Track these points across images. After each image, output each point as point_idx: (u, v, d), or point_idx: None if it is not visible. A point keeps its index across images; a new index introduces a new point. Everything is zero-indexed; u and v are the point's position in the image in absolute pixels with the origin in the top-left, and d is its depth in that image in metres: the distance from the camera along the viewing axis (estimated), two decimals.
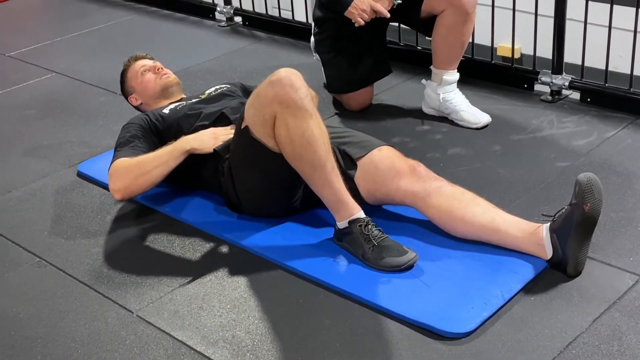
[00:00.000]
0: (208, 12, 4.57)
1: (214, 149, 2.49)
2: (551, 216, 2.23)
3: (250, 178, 2.42)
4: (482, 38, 3.51)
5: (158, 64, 2.94)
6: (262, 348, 2.03)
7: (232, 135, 2.50)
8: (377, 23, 3.14)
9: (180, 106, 2.76)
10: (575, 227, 2.14)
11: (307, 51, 3.62)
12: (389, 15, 2.99)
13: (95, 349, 2.06)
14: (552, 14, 3.27)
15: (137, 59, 2.98)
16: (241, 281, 2.29)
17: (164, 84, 2.89)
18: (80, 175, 2.94)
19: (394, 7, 2.97)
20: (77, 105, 3.57)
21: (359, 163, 2.47)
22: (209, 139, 2.53)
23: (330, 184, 2.27)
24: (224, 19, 4.48)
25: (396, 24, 3.52)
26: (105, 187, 2.75)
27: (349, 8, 2.98)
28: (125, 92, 2.97)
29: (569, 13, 3.27)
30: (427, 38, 3.32)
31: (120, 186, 2.53)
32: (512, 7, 3.37)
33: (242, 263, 2.37)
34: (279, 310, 2.17)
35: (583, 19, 3.20)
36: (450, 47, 3.06)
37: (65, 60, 4.11)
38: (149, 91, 2.89)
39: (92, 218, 2.66)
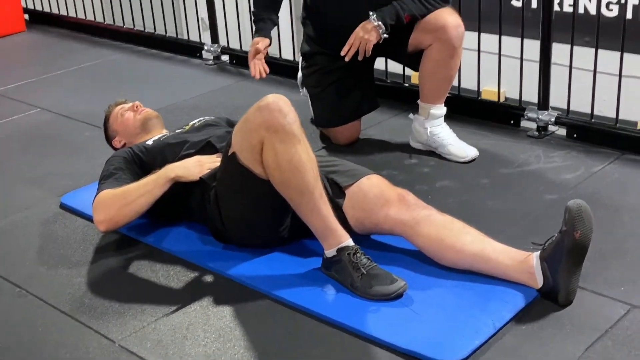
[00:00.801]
0: (195, 51, 4.58)
1: (200, 177, 2.46)
2: (541, 244, 2.21)
3: (237, 206, 2.39)
4: (467, 82, 3.53)
5: (136, 103, 2.94)
6: None
7: (218, 163, 2.47)
8: (364, 57, 3.15)
9: (163, 137, 2.74)
10: (566, 255, 2.12)
11: (294, 88, 3.62)
12: (369, 54, 2.99)
13: None
14: (537, 58, 3.29)
15: (117, 104, 2.98)
16: (226, 310, 2.24)
17: (143, 117, 2.88)
18: (63, 207, 2.89)
19: (380, 41, 2.97)
20: (62, 140, 3.54)
21: (348, 191, 2.45)
22: (194, 166, 2.51)
23: (318, 211, 2.24)
24: (211, 57, 4.49)
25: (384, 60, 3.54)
26: (88, 218, 2.71)
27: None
28: (108, 138, 2.95)
29: (554, 57, 3.30)
30: (414, 72, 3.33)
31: (105, 217, 2.49)
32: (497, 51, 3.40)
33: (228, 292, 2.32)
34: (265, 339, 2.12)
35: (568, 63, 3.23)
36: (437, 81, 3.06)
37: (50, 96, 4.09)
38: (129, 129, 2.87)
39: (75, 249, 2.61)
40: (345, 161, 2.60)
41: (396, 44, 3.08)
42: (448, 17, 2.94)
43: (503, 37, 3.40)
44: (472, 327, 2.07)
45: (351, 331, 2.11)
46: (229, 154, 2.32)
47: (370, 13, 2.94)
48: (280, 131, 2.19)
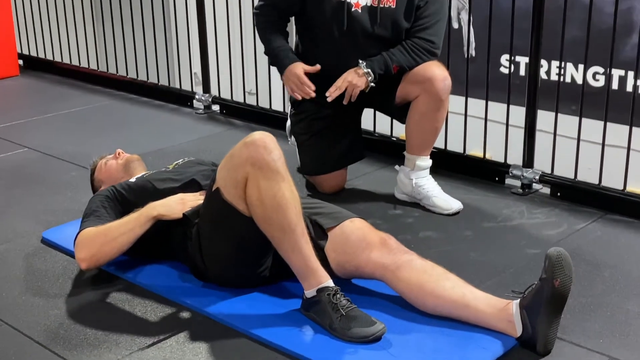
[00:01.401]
0: (186, 100, 4.63)
1: (183, 214, 2.46)
2: (521, 292, 2.21)
3: (219, 242, 2.38)
4: (453, 145, 3.58)
5: (118, 150, 2.99)
6: None
7: (201, 201, 2.48)
8: (352, 107, 3.19)
9: (147, 174, 2.75)
10: (545, 303, 2.12)
11: (283, 139, 3.64)
12: (354, 99, 3.04)
13: None
14: (522, 124, 3.35)
15: (100, 158, 3.01)
16: (202, 347, 2.21)
17: (125, 160, 2.92)
18: (45, 241, 2.88)
19: (367, 89, 3.02)
20: (47, 178, 3.54)
21: (330, 233, 2.45)
22: (177, 204, 2.51)
23: (299, 250, 2.24)
24: (202, 106, 4.53)
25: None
26: (69, 253, 2.70)
27: (283, 74, 3.11)
28: (94, 189, 2.97)
29: (540, 124, 3.36)
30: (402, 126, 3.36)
31: (86, 255, 2.48)
32: (484, 116, 3.46)
33: (205, 330, 2.30)
34: None
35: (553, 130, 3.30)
36: (423, 133, 3.10)
37: (39, 137, 4.10)
38: (113, 175, 2.89)
39: (53, 282, 2.59)
40: (329, 204, 2.61)
41: (384, 95, 3.13)
42: (435, 70, 3.00)
43: (490, 103, 3.46)
44: None
45: None
46: (213, 189, 2.33)
47: (360, 61, 2.99)
48: (265, 168, 2.20)
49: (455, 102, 3.56)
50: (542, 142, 3.38)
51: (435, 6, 3.04)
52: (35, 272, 2.66)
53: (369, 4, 3.02)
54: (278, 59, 3.14)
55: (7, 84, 5.26)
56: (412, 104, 3.08)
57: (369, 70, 2.98)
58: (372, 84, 3.01)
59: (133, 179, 2.73)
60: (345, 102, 3.03)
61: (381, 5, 3.00)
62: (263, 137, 2.24)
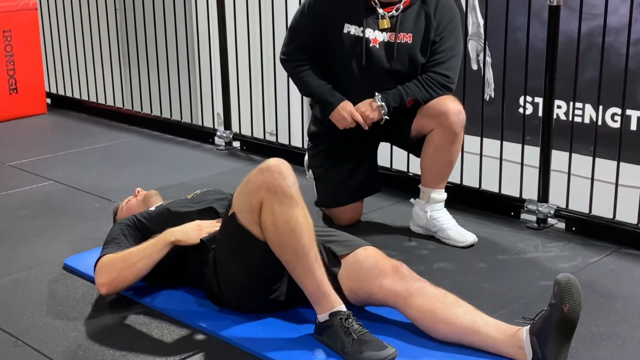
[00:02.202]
0: (208, 137, 4.72)
1: (200, 239, 2.52)
2: (531, 319, 2.23)
3: (234, 267, 2.43)
4: (469, 181, 3.64)
5: (137, 189, 3.07)
6: None
7: (217, 228, 2.54)
8: (368, 140, 3.26)
9: (165, 203, 2.82)
10: (554, 328, 2.14)
11: (302, 174, 3.71)
12: (366, 127, 3.11)
13: None
14: (537, 164, 3.40)
15: (122, 201, 3.08)
16: None
17: (144, 196, 3.00)
18: (66, 268, 2.94)
19: (382, 122, 3.08)
20: (71, 209, 3.63)
21: (343, 261, 2.49)
22: (193, 231, 2.57)
23: (312, 274, 2.28)
24: (223, 143, 4.62)
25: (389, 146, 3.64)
26: (90, 279, 2.76)
27: (333, 112, 3.12)
28: None
29: (557, 165, 3.40)
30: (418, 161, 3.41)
31: (106, 280, 2.55)
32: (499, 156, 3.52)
33: (219, 352, 2.35)
34: None
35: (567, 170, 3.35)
36: (438, 166, 3.15)
37: (64, 170, 4.20)
38: (133, 210, 2.95)
39: (73, 306, 2.65)
40: (343, 232, 2.66)
41: (399, 129, 3.19)
42: (450, 104, 3.06)
43: (509, 143, 3.52)
44: None
45: None
46: (229, 214, 2.39)
47: (376, 93, 3.06)
48: (279, 193, 2.27)
49: (474, 143, 3.62)
50: (559, 182, 3.41)
51: (451, 41, 3.11)
52: (56, 297, 2.72)
53: (386, 40, 3.09)
54: (323, 99, 3.16)
55: (34, 121, 5.40)
56: (427, 137, 3.13)
57: (383, 103, 3.05)
58: (386, 117, 3.07)
59: (153, 208, 2.81)
60: (359, 123, 3.09)
61: (398, 41, 3.08)
62: (278, 163, 2.31)
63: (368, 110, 3.07)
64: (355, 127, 3.13)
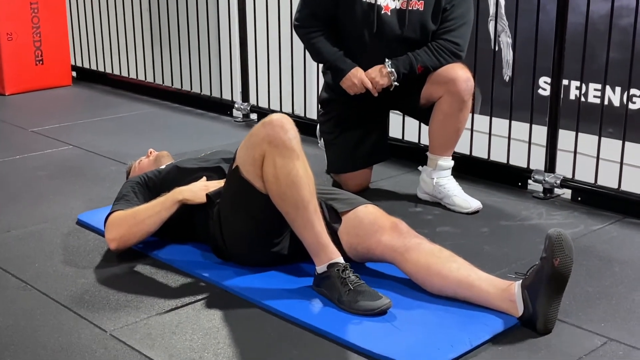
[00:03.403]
0: (226, 109, 4.80)
1: (206, 194, 2.59)
2: (524, 274, 2.28)
3: (237, 220, 2.50)
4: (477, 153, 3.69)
5: (150, 149, 3.14)
6: None
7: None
8: (379, 107, 3.31)
9: (175, 162, 2.90)
10: (545, 282, 2.18)
11: (315, 144, 3.77)
12: (376, 93, 3.16)
13: (63, 357, 2.10)
14: (544, 143, 3.44)
15: (135, 161, 3.16)
16: (216, 314, 2.33)
17: (155, 156, 3.08)
18: (80, 223, 3.04)
19: (392, 88, 3.13)
20: (88, 171, 3.73)
21: (344, 218, 2.55)
22: (200, 190, 2.64)
23: (312, 226, 2.35)
24: (241, 115, 4.70)
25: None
26: (101, 234, 2.84)
27: (343, 79, 3.17)
28: None
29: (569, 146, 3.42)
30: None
31: (116, 235, 2.63)
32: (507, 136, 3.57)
33: (220, 300, 2.42)
34: (250, 340, 2.21)
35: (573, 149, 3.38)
36: (446, 133, 3.19)
37: (84, 137, 4.31)
38: (145, 170, 3.02)
39: (84, 257, 2.74)
40: (344, 191, 2.72)
41: (409, 96, 3.23)
42: (459, 71, 3.10)
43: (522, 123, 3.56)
44: (448, 342, 2.13)
45: (331, 338, 2.18)
46: (233, 167, 2.46)
47: (386, 60, 3.10)
48: (281, 146, 2.33)
49: (498, 123, 3.65)
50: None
51: (462, 9, 3.15)
52: (68, 248, 2.81)
53: (397, 7, 3.13)
54: (335, 66, 3.21)
55: (59, 92, 5.52)
56: (435, 104, 3.18)
57: (393, 69, 3.10)
58: (396, 83, 3.12)
59: (163, 166, 2.89)
60: (375, 94, 3.15)
61: (410, 8, 3.12)
62: (280, 118, 2.37)
63: (378, 76, 3.13)
64: (366, 93, 3.19)
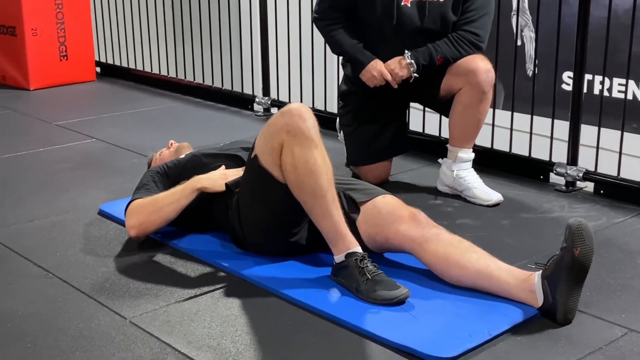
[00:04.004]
0: (247, 104, 4.82)
1: (225, 184, 2.60)
2: (544, 264, 2.26)
3: (255, 209, 2.51)
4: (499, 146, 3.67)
5: (171, 141, 3.16)
6: (245, 355, 2.06)
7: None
8: (398, 99, 3.31)
9: (195, 151, 2.91)
10: (565, 272, 2.17)
11: (336, 138, 3.78)
12: (396, 85, 3.15)
13: (83, 343, 2.12)
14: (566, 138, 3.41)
15: (156, 152, 3.18)
16: (235, 303, 2.34)
17: (176, 147, 3.10)
18: (101, 213, 3.06)
19: (411, 80, 3.12)
20: (110, 164, 3.76)
21: (362, 208, 2.55)
22: (219, 178, 2.65)
23: (330, 215, 2.35)
24: (262, 109, 4.71)
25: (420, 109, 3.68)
26: (122, 223, 2.85)
27: (363, 71, 3.16)
28: None
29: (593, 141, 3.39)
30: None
31: (135, 222, 2.65)
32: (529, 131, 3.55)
33: (239, 289, 2.43)
34: (267, 327, 2.22)
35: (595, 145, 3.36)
36: (466, 125, 3.18)
37: (106, 130, 4.34)
38: (166, 161, 3.03)
39: (105, 246, 2.76)
40: (363, 181, 2.72)
41: (429, 88, 3.22)
42: (479, 62, 3.08)
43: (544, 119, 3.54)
44: (466, 331, 2.13)
45: (349, 327, 2.18)
46: (252, 156, 2.47)
47: (406, 51, 3.10)
48: (299, 135, 2.33)
49: (520, 119, 3.64)
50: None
51: (482, 0, 3.13)
52: (89, 238, 2.84)
53: None
54: (354, 58, 3.21)
55: (83, 87, 5.57)
56: (455, 96, 3.16)
57: (413, 61, 3.09)
58: (415, 74, 3.11)
59: (182, 156, 2.90)
60: (394, 86, 3.14)
61: (430, 0, 3.11)
62: (299, 107, 2.37)
63: (397, 67, 3.12)
64: (385, 85, 3.18)
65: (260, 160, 2.42)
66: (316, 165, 2.33)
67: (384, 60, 3.17)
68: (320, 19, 3.28)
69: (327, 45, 3.46)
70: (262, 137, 2.45)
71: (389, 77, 3.13)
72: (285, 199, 2.41)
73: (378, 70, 3.14)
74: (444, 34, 3.15)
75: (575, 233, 2.16)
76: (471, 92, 3.10)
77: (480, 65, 3.08)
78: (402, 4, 3.13)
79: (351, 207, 2.55)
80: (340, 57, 3.46)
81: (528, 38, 5.02)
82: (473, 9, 3.13)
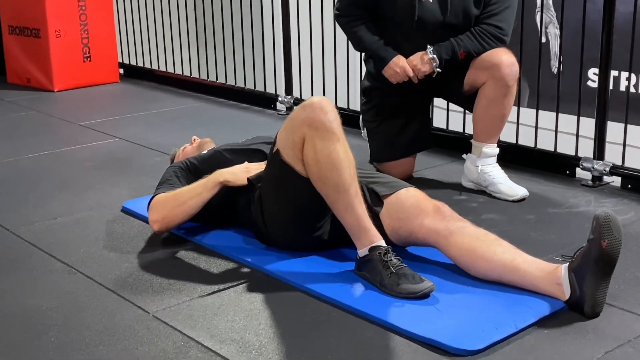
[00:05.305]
0: (270, 103, 4.81)
1: (247, 179, 2.59)
2: (570, 256, 2.23)
3: (278, 204, 2.50)
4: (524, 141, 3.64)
5: (194, 137, 3.17)
6: (269, 348, 2.04)
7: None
8: (422, 95, 3.28)
9: (217, 147, 2.91)
10: (593, 264, 2.13)
11: (359, 135, 3.75)
12: (416, 80, 3.13)
13: (106, 337, 2.11)
14: (592, 135, 3.37)
15: (179, 148, 3.19)
16: (258, 297, 2.33)
17: (198, 143, 3.10)
18: (124, 210, 3.07)
19: (434, 75, 3.09)
20: (134, 162, 3.76)
21: (386, 201, 2.53)
22: (242, 172, 2.64)
23: (353, 209, 2.33)
24: (284, 108, 4.70)
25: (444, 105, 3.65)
26: (146, 220, 2.86)
27: (385, 67, 3.14)
28: None
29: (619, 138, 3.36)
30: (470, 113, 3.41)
31: (158, 217, 2.64)
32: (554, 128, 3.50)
33: (262, 284, 2.42)
34: (290, 321, 2.20)
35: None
36: (490, 120, 3.14)
37: (129, 130, 4.35)
38: (189, 156, 3.03)
39: (128, 242, 2.76)
40: (386, 174, 2.70)
41: (453, 83, 3.19)
42: (503, 56, 3.05)
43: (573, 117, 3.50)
44: (493, 324, 2.10)
45: (373, 320, 2.16)
46: (274, 151, 2.46)
47: (428, 46, 3.07)
48: (321, 128, 2.31)
49: (545, 117, 3.61)
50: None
51: None
52: (112, 234, 2.84)
53: None
54: (376, 54, 3.19)
55: (106, 88, 5.59)
56: (479, 90, 3.13)
57: (435, 56, 3.06)
58: (438, 69, 3.08)
59: (205, 151, 2.90)
60: (415, 81, 3.12)
61: None
62: (320, 100, 2.36)
63: (419, 63, 3.09)
64: (408, 81, 3.16)
65: (282, 155, 2.41)
66: (339, 159, 2.31)
67: (407, 56, 3.15)
68: (342, 15, 3.26)
69: (349, 42, 3.44)
70: (283, 131, 2.43)
71: (411, 73, 3.11)
72: (307, 193, 2.39)
73: (400, 66, 3.12)
74: (467, 28, 3.12)
75: (602, 224, 2.12)
76: (495, 86, 3.07)
77: (504, 58, 3.05)
78: None
79: (374, 201, 2.53)
80: (363, 53, 3.44)
81: (552, 35, 4.97)
82: (495, 2, 3.10)
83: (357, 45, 3.30)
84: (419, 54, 3.09)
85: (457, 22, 3.12)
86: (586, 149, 3.43)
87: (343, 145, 2.34)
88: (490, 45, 3.08)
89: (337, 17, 3.31)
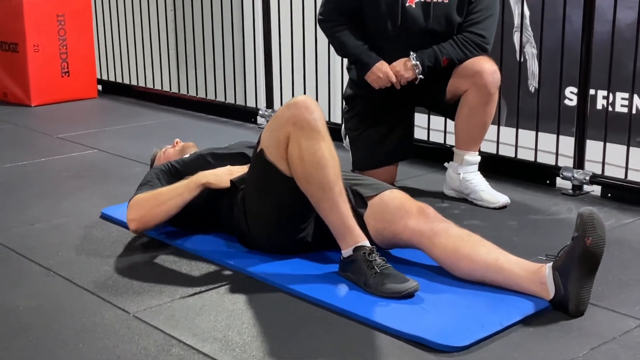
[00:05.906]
0: (251, 116, 4.80)
1: (230, 181, 2.57)
2: (555, 255, 2.22)
3: (261, 204, 2.47)
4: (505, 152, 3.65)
5: (176, 139, 3.14)
6: (252, 346, 2.02)
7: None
8: (404, 103, 3.29)
9: (200, 151, 2.89)
10: (577, 262, 2.13)
11: (341, 147, 3.74)
12: (398, 86, 3.13)
13: (86, 336, 2.08)
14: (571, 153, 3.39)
15: (160, 149, 3.17)
16: (241, 298, 2.30)
17: (181, 146, 3.07)
18: (104, 217, 3.03)
19: (417, 81, 3.10)
20: (112, 172, 3.73)
21: (370, 202, 2.52)
22: (224, 174, 2.62)
23: (337, 208, 2.31)
24: (265, 122, 4.69)
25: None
26: (125, 226, 2.82)
27: (368, 73, 3.14)
28: None
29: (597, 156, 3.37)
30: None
31: (136, 216, 2.60)
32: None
33: (245, 285, 2.39)
34: (274, 320, 2.17)
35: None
36: (472, 127, 3.15)
37: (108, 142, 4.32)
38: (170, 159, 3.00)
39: (108, 247, 2.72)
40: (370, 177, 2.69)
41: (434, 91, 3.20)
42: (485, 64, 3.06)
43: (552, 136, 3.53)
44: (478, 322, 2.09)
45: (357, 319, 2.14)
46: (257, 150, 2.44)
47: (411, 53, 3.08)
48: (306, 127, 2.30)
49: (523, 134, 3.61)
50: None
51: (487, 1, 3.12)
52: (91, 239, 2.80)
53: (422, 0, 3.11)
54: (359, 59, 3.18)
55: (84, 103, 5.56)
56: (461, 98, 3.14)
57: (418, 62, 3.07)
58: (421, 76, 3.09)
59: (187, 155, 2.87)
60: (397, 87, 3.12)
61: (434, 1, 3.09)
62: (305, 99, 2.35)
63: (402, 69, 3.10)
64: (391, 87, 3.16)
65: (266, 154, 2.39)
66: (323, 158, 2.30)
67: (389, 62, 3.15)
68: (325, 20, 3.26)
69: (330, 51, 3.44)
70: (267, 130, 2.42)
71: (393, 79, 3.11)
72: (291, 193, 2.38)
73: (383, 71, 3.12)
74: (449, 35, 3.14)
75: (586, 222, 2.12)
76: (477, 94, 3.08)
77: (486, 66, 3.06)
78: (407, 4, 3.11)
79: (358, 203, 2.52)
80: (345, 64, 3.44)
81: (530, 55, 5.02)
82: (478, 10, 3.12)
83: (339, 50, 3.30)
84: (402, 60, 3.10)
85: (439, 29, 3.13)
86: (566, 160, 3.45)
87: (328, 144, 2.33)
88: (473, 53, 3.10)
89: (320, 23, 3.31)
